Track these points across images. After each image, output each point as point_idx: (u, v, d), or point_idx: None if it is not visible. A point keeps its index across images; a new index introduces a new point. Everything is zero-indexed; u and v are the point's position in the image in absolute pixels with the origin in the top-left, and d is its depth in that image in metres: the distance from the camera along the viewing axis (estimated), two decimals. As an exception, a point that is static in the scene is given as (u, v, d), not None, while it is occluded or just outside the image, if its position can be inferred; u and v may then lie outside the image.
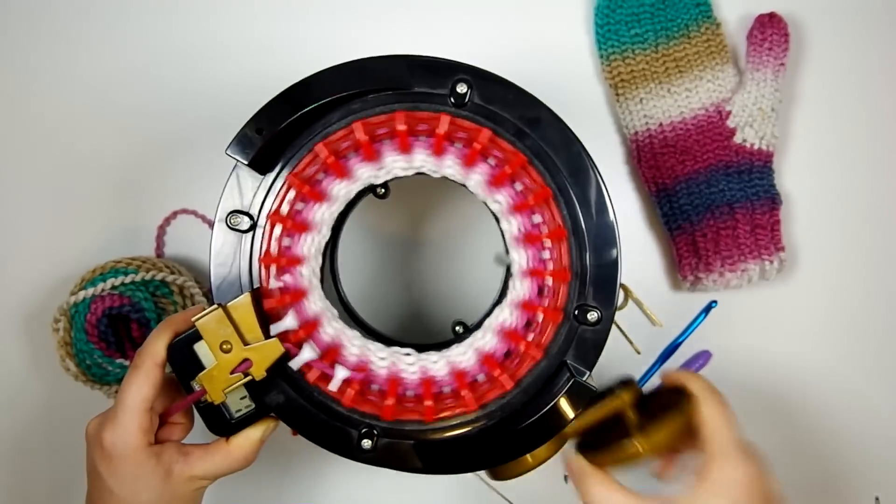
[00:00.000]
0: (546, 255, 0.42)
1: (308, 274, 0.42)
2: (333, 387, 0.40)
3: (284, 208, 0.41)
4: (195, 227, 0.59)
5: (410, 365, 0.42)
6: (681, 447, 0.42)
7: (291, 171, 0.41)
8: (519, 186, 0.42)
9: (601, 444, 0.47)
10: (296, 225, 0.41)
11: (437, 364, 0.42)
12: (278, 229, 0.41)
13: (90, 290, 0.52)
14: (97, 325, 0.53)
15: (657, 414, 0.46)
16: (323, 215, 0.42)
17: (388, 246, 0.59)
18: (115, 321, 0.54)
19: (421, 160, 0.41)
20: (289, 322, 0.39)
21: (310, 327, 0.41)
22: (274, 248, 0.41)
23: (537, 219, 0.42)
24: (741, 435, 0.40)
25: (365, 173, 0.41)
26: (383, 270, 0.59)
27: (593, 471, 0.41)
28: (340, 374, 0.40)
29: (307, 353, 0.39)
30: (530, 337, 0.41)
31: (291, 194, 0.41)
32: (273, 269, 0.41)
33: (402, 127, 0.40)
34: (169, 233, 0.59)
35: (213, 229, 0.41)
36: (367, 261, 0.58)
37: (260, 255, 0.41)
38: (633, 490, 0.40)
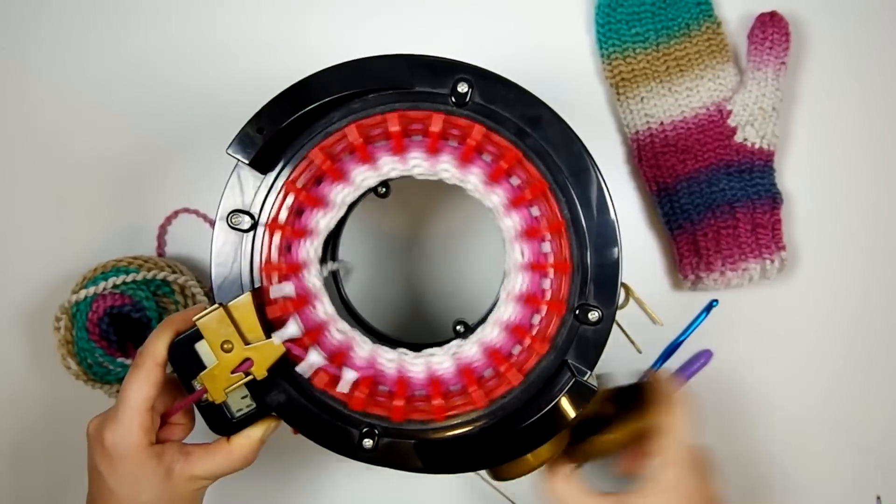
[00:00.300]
0: (546, 247, 0.42)
1: (313, 279, 0.42)
2: (344, 388, 0.40)
3: (283, 216, 0.41)
4: (196, 227, 0.59)
5: (416, 365, 0.42)
6: (643, 447, 0.45)
7: (287, 178, 0.41)
8: (515, 181, 0.42)
9: (574, 437, 0.48)
10: (295, 231, 0.41)
11: (443, 361, 0.42)
12: (277, 237, 0.41)
13: (91, 289, 0.52)
14: (98, 324, 0.53)
15: (629, 410, 0.47)
16: (323, 221, 0.42)
17: (388, 245, 0.59)
18: (116, 320, 0.54)
19: (416, 163, 0.41)
20: (291, 330, 0.39)
21: (315, 333, 0.41)
22: (274, 256, 0.41)
23: (535, 212, 0.42)
24: (691, 443, 0.42)
25: (361, 177, 0.41)
26: (384, 270, 0.59)
27: (555, 466, 0.44)
28: (349, 375, 0.39)
29: (314, 358, 0.39)
30: (535, 331, 0.41)
31: (290, 200, 0.41)
32: (275, 276, 0.41)
33: (395, 128, 0.40)
34: (170, 232, 0.59)
35: (213, 229, 0.41)
36: (368, 260, 0.58)
37: (261, 263, 0.41)
38: (591, 486, 0.43)
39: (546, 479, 0.44)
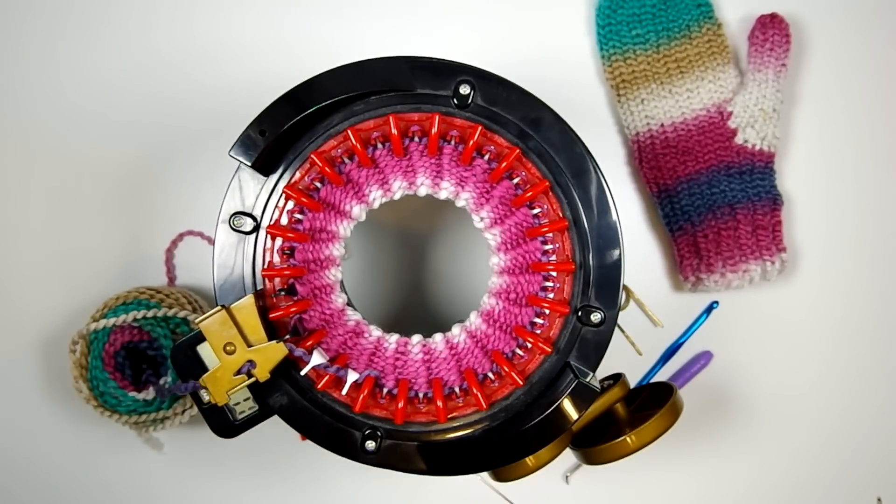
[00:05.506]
0: (548, 247, 0.42)
1: (334, 273, 0.42)
2: (346, 388, 0.40)
3: (284, 219, 0.41)
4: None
5: (414, 346, 0.42)
6: None
7: (288, 182, 0.41)
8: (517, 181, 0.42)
9: (593, 438, 0.48)
10: (299, 236, 0.41)
11: (436, 337, 0.43)
12: (279, 241, 0.41)
13: (112, 320, 0.51)
14: (115, 357, 0.52)
15: (646, 409, 0.48)
16: (342, 228, 0.43)
17: (389, 245, 0.59)
18: (131, 353, 0.54)
19: (421, 180, 0.42)
20: (316, 359, 0.39)
21: (321, 332, 0.41)
22: (276, 259, 0.41)
23: (536, 211, 0.42)
24: None
25: (373, 197, 0.42)
26: (384, 270, 0.59)
27: None
28: (352, 376, 0.40)
29: (317, 359, 0.39)
30: (538, 331, 0.42)
31: (291, 204, 0.41)
32: (277, 280, 0.41)
33: (394, 131, 0.40)
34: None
35: (216, 230, 0.41)
36: (367, 259, 0.58)
37: (263, 266, 0.41)
38: None
39: None
